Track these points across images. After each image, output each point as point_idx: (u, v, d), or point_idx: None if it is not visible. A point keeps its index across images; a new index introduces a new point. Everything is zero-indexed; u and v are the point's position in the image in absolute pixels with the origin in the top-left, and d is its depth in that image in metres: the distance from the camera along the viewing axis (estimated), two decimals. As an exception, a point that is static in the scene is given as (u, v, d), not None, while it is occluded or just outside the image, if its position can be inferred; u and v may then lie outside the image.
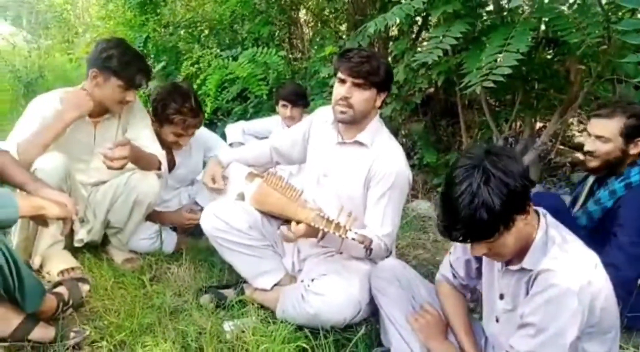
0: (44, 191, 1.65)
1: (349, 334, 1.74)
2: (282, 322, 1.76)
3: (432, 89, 3.71)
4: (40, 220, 1.63)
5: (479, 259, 1.53)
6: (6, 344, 1.54)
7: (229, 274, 2.11)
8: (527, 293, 1.27)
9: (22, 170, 1.73)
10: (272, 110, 3.49)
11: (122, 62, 2.07)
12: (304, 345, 1.62)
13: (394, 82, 3.10)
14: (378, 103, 1.89)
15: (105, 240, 2.26)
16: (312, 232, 1.70)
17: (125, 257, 2.22)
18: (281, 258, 2.03)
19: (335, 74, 1.90)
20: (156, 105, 2.38)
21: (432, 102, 3.87)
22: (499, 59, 2.11)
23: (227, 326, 1.76)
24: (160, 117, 2.36)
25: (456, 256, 1.58)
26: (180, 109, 2.32)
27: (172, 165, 2.49)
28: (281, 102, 3.11)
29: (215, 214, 1.96)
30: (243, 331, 1.72)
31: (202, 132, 2.64)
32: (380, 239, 1.80)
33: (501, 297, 1.36)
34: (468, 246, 1.54)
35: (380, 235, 1.81)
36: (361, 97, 1.83)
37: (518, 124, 3.60)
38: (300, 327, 1.73)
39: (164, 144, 2.35)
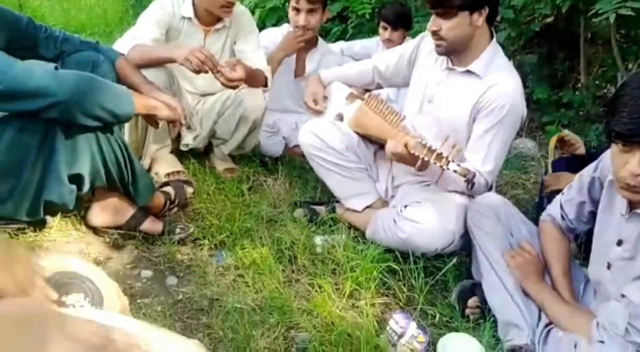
0: (156, 93, 1.74)
1: (439, 263, 1.73)
2: (371, 243, 1.79)
3: (551, 17, 3.35)
4: (152, 120, 1.73)
5: (593, 202, 1.42)
6: (122, 231, 1.70)
7: (321, 191, 2.14)
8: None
9: (137, 73, 1.82)
10: (374, 32, 3.35)
11: None
12: (395, 266, 1.64)
13: (510, 5, 2.83)
14: (479, 23, 1.70)
15: (208, 148, 2.36)
16: (410, 159, 1.65)
17: (226, 166, 2.32)
18: (374, 182, 2.02)
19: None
20: None
21: (550, 32, 3.50)
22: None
23: (318, 239, 1.82)
24: None
25: (569, 196, 1.47)
26: None
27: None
28: (382, 23, 2.96)
29: (313, 132, 1.97)
30: (333, 246, 1.77)
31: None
32: (482, 174, 1.72)
33: (619, 243, 1.26)
34: (584, 186, 1.43)
35: (482, 171, 1.73)
36: (449, 26, 1.68)
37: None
38: (388, 250, 1.75)
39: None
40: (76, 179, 1.52)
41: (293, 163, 2.39)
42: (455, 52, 1.76)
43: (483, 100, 1.73)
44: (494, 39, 1.81)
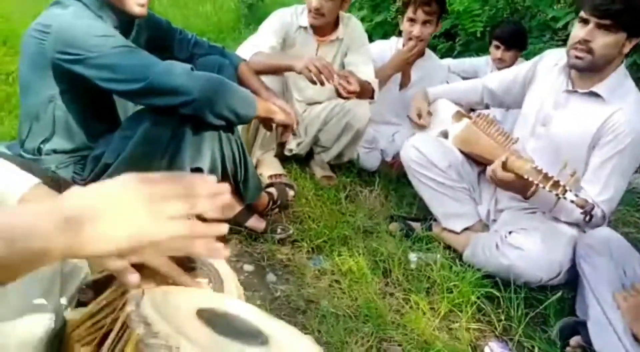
0: (273, 98, 1.83)
1: (540, 295, 1.66)
2: (468, 265, 1.75)
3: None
4: (267, 123, 1.82)
5: None
6: (228, 225, 1.80)
7: (418, 208, 2.13)
8: None
9: (257, 78, 1.93)
10: (482, 51, 3.28)
11: None
12: (495, 293, 1.59)
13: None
14: (625, 50, 1.62)
15: (309, 155, 2.43)
16: (520, 184, 1.60)
17: (324, 173, 2.38)
18: (476, 204, 1.97)
19: (577, 13, 1.68)
20: None
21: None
22: None
23: (413, 256, 1.80)
24: None
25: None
26: None
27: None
28: (494, 42, 2.89)
29: (416, 147, 1.97)
30: (427, 264, 1.75)
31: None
32: (598, 205, 1.63)
33: None
34: None
35: (600, 203, 1.63)
36: (605, 41, 1.59)
37: None
38: (487, 275, 1.70)
39: None
40: (196, 172, 1.63)
41: (389, 176, 2.40)
42: (591, 70, 1.67)
43: (606, 126, 1.64)
44: (623, 63, 1.71)
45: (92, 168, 1.63)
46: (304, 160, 2.44)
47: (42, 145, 1.61)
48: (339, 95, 2.03)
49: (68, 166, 1.64)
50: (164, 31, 1.87)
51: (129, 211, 0.56)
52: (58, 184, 0.91)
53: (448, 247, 1.91)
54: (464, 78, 2.90)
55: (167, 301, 0.79)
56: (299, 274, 1.64)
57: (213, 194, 0.67)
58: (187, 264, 0.93)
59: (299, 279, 1.62)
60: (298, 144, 2.38)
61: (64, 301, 0.94)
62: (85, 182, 1.61)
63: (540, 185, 1.51)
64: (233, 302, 0.93)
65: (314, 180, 2.31)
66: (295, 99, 2.38)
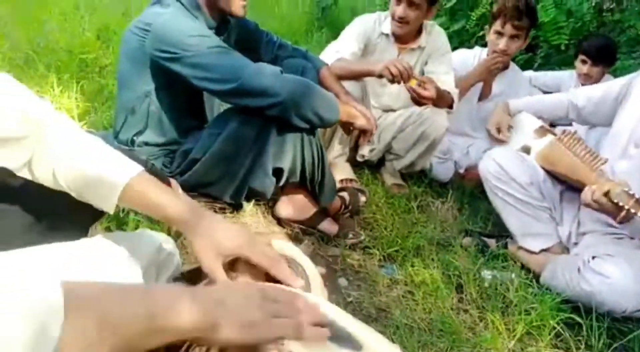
0: (354, 103, 1.83)
1: (624, 326, 1.56)
2: (546, 288, 1.68)
3: None
4: (347, 127, 1.83)
5: None
6: (302, 226, 1.82)
7: (493, 224, 2.07)
8: None
9: (338, 82, 1.94)
10: (564, 64, 3.16)
11: None
12: (577, 319, 1.52)
13: None
14: None
15: (380, 162, 2.43)
16: (611, 208, 1.52)
17: (395, 181, 2.37)
18: (556, 225, 1.89)
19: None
20: None
21: None
22: None
23: (487, 273, 1.75)
24: None
25: None
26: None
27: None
28: (581, 56, 2.77)
29: (496, 161, 1.91)
30: (502, 283, 1.70)
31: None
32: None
33: None
34: None
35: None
36: None
37: None
38: (566, 299, 1.62)
39: None
40: (277, 173, 1.67)
41: (463, 188, 2.35)
42: None
43: None
44: None
45: (180, 162, 1.70)
46: (375, 167, 2.43)
47: (135, 137, 1.70)
48: (415, 101, 2.01)
49: (158, 159, 1.72)
50: (252, 33, 1.93)
51: (248, 307, 0.62)
52: (155, 175, 0.96)
53: (524, 266, 1.84)
54: (545, 92, 2.80)
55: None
56: (371, 282, 1.64)
57: (318, 325, 0.71)
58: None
59: (371, 287, 1.61)
60: (371, 151, 2.37)
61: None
62: (172, 175, 1.68)
63: (632, 210, 1.44)
64: (327, 304, 0.94)
65: (385, 187, 2.29)
66: (371, 105, 2.38)
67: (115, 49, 2.80)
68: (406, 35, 2.26)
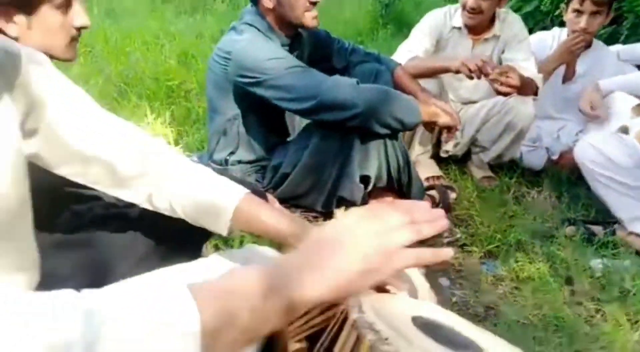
0: (433, 101, 1.81)
1: None
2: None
3: None
4: (430, 126, 1.81)
5: None
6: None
7: (596, 210, 1.96)
8: None
9: (414, 81, 1.93)
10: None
11: None
12: None
13: None
14: None
15: (466, 155, 2.37)
16: None
17: (484, 174, 2.30)
18: (667, 207, 1.76)
19: None
20: None
21: None
22: None
23: (596, 262, 1.66)
24: None
25: None
26: None
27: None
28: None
29: (594, 145, 1.81)
30: (615, 271, 1.60)
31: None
32: None
33: None
34: None
35: None
36: None
37: None
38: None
39: None
40: (364, 179, 1.69)
41: (558, 175, 2.24)
42: None
43: None
44: None
45: (271, 177, 1.77)
46: (461, 161, 2.38)
47: (228, 157, 1.79)
48: (498, 92, 1.95)
49: (250, 175, 1.81)
50: (323, 42, 1.96)
51: (363, 247, 0.56)
52: (255, 193, 1.01)
53: (638, 252, 1.73)
54: (639, 66, 2.60)
55: (383, 307, 0.82)
56: (475, 280, 1.61)
57: (432, 219, 0.67)
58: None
59: (475, 285, 1.59)
60: (455, 145, 2.33)
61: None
62: (265, 189, 1.76)
63: None
64: (439, 310, 0.94)
65: (474, 181, 2.24)
66: (449, 99, 2.34)
67: (195, 73, 2.96)
68: (479, 25, 2.20)
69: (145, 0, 4.91)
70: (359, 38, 4.65)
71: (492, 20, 2.24)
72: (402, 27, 4.74)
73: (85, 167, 0.84)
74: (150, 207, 0.95)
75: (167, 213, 0.95)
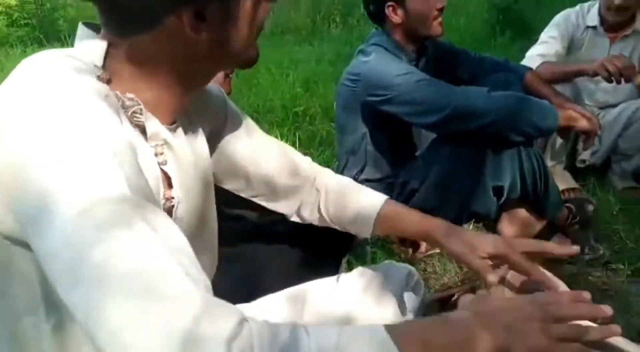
0: (570, 105, 1.71)
1: None
2: None
3: None
4: (565, 133, 1.71)
5: None
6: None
7: None
8: None
9: (547, 86, 1.85)
10: None
11: None
12: None
13: None
14: None
15: (606, 165, 2.20)
16: None
17: (627, 185, 2.12)
18: None
19: None
20: None
21: None
22: None
23: None
24: None
25: None
26: None
27: None
28: None
29: None
30: None
31: None
32: None
33: None
34: None
35: None
36: None
37: None
38: None
39: None
40: (496, 190, 1.65)
41: None
42: None
43: None
44: None
45: (398, 193, 1.80)
46: (600, 171, 2.22)
47: (357, 175, 1.86)
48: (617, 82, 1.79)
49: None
50: (448, 53, 1.96)
51: (529, 328, 0.59)
52: None
53: None
54: None
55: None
56: (622, 301, 1.49)
57: (596, 317, 0.66)
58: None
59: (623, 306, 1.47)
60: (592, 154, 2.18)
61: (410, 316, 1.07)
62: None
63: None
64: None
65: (616, 193, 2.07)
66: (585, 104, 2.20)
67: (317, 98, 3.11)
68: (619, 22, 2.05)
69: (264, 33, 5.28)
70: (476, 45, 4.54)
71: (632, 16, 2.08)
72: (523, 31, 4.54)
73: (248, 182, 0.96)
74: (298, 219, 1.05)
75: (314, 222, 1.05)
